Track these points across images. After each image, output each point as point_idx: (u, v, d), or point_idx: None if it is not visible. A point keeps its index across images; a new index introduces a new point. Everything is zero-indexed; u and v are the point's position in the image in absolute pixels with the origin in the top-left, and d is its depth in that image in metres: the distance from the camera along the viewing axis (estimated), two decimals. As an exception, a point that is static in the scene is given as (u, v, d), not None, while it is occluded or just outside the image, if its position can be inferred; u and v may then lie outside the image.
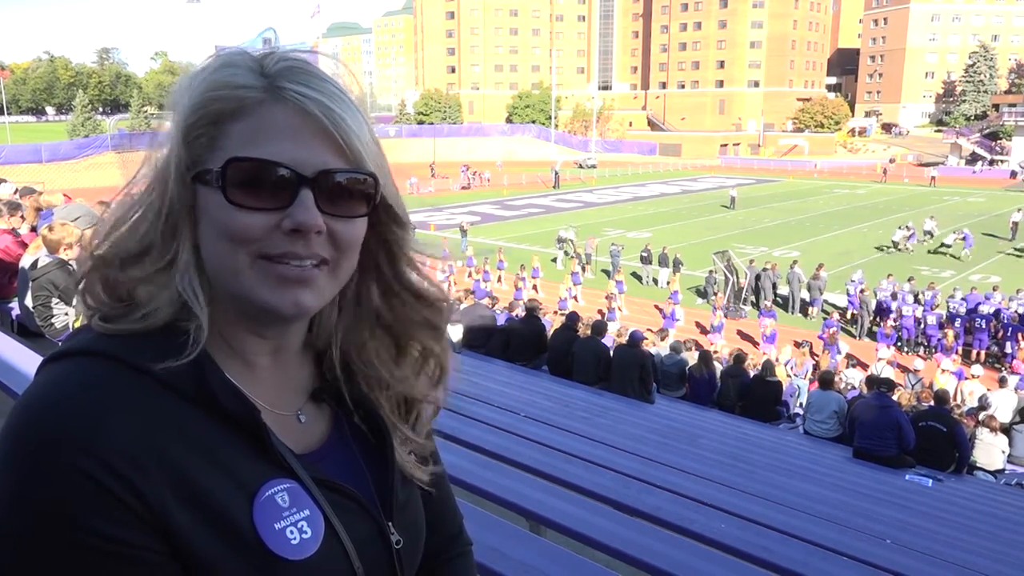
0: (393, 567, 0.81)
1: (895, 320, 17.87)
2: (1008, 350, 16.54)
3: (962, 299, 18.15)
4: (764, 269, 20.99)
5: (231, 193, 0.69)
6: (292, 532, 0.71)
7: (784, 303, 20.79)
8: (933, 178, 53.41)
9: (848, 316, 19.46)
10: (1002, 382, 12.13)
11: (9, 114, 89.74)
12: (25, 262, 5.08)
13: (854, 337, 18.50)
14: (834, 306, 20.13)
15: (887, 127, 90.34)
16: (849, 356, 15.78)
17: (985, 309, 17.39)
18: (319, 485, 0.75)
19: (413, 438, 0.89)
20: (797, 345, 16.45)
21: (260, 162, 0.69)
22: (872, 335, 18.16)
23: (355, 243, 0.76)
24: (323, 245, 0.73)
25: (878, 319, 18.54)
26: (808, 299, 20.52)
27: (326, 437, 0.84)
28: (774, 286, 20.68)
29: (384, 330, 0.87)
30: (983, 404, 11.14)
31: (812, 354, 15.40)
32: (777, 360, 13.84)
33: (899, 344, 17.68)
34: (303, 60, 0.74)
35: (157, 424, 0.66)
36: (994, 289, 19.16)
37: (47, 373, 0.70)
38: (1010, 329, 16.74)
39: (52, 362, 0.71)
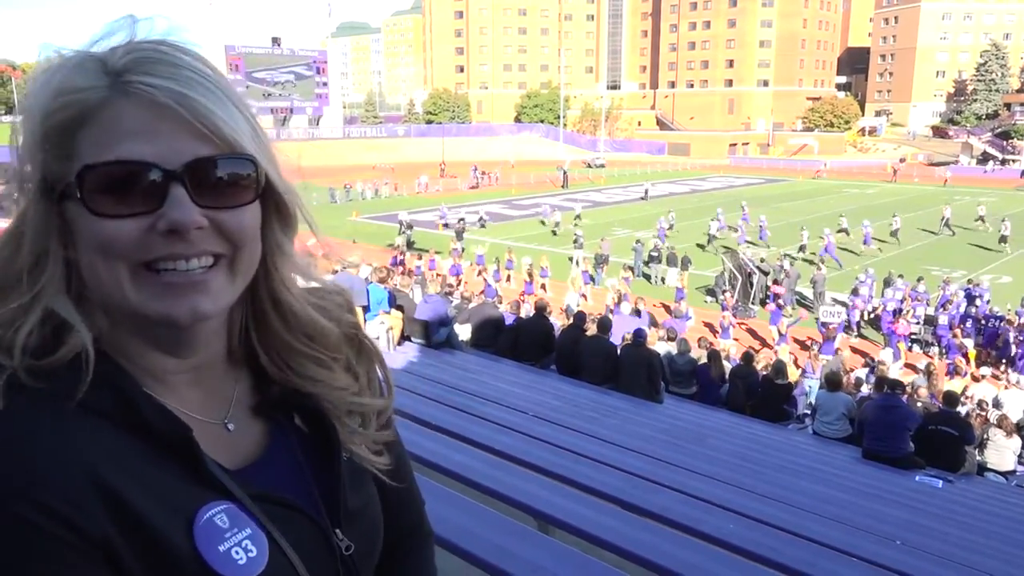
0: (342, 574, 0.78)
1: (905, 319, 17.75)
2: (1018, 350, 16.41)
3: (964, 298, 18.18)
4: (779, 268, 20.90)
5: (93, 202, 0.64)
6: (238, 552, 0.68)
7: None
8: (945, 179, 53.17)
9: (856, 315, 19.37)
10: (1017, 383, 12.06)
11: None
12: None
13: (848, 335, 18.48)
14: (839, 302, 20.00)
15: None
16: (859, 353, 15.64)
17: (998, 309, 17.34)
18: (257, 500, 0.72)
19: (363, 433, 0.85)
20: (804, 348, 16.36)
21: (116, 164, 0.64)
22: (862, 336, 18.10)
23: (248, 233, 0.71)
24: (210, 239, 0.68)
25: (870, 317, 18.56)
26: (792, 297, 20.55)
27: (264, 446, 0.80)
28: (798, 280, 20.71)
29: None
30: (995, 404, 11.08)
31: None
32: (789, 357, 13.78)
33: (909, 344, 17.58)
34: (152, 48, 0.68)
35: (90, 456, 0.63)
36: (977, 284, 19.30)
37: None
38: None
39: None
